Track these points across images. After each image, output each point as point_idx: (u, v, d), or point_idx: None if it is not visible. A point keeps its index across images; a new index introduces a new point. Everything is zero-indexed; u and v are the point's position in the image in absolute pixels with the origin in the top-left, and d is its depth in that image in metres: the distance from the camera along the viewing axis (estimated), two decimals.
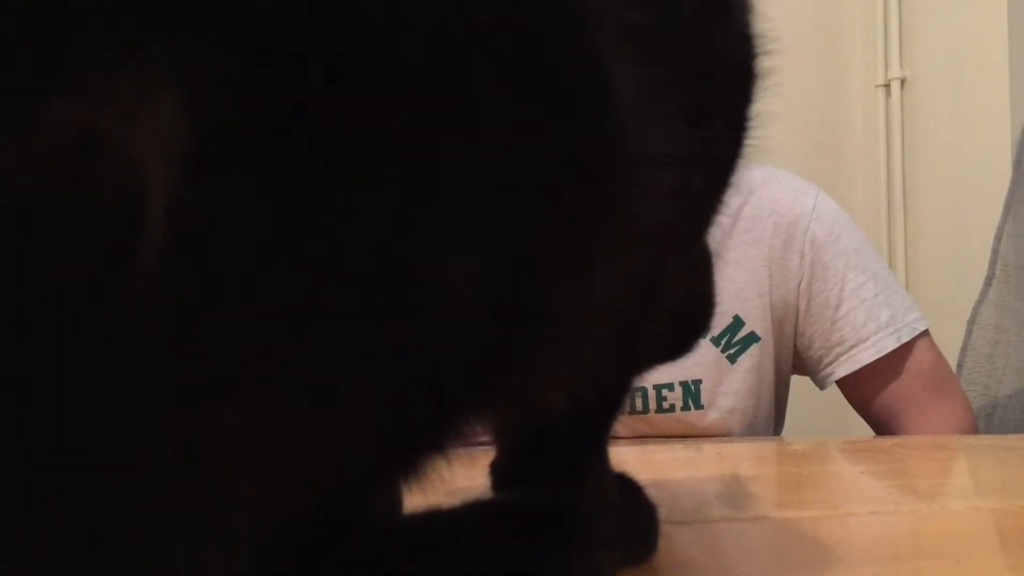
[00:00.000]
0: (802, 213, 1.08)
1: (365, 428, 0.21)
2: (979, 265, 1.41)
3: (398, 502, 0.35)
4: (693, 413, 1.09)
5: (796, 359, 1.13)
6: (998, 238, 1.38)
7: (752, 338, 1.06)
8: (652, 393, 1.07)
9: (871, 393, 1.09)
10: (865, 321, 1.06)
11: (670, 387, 1.07)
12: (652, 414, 1.08)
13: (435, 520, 0.30)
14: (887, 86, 1.93)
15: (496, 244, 0.21)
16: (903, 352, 1.07)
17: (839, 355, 1.07)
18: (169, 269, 0.16)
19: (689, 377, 1.07)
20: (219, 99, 0.16)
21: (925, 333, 1.10)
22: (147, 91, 0.15)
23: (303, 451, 0.20)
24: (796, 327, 1.09)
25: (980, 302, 1.38)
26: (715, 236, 0.36)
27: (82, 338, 0.16)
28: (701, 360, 1.05)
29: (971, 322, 1.39)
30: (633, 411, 1.06)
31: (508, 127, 0.20)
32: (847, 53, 1.98)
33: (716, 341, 1.06)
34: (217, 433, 0.18)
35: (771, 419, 1.14)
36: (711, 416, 1.08)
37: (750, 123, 0.37)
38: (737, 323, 1.06)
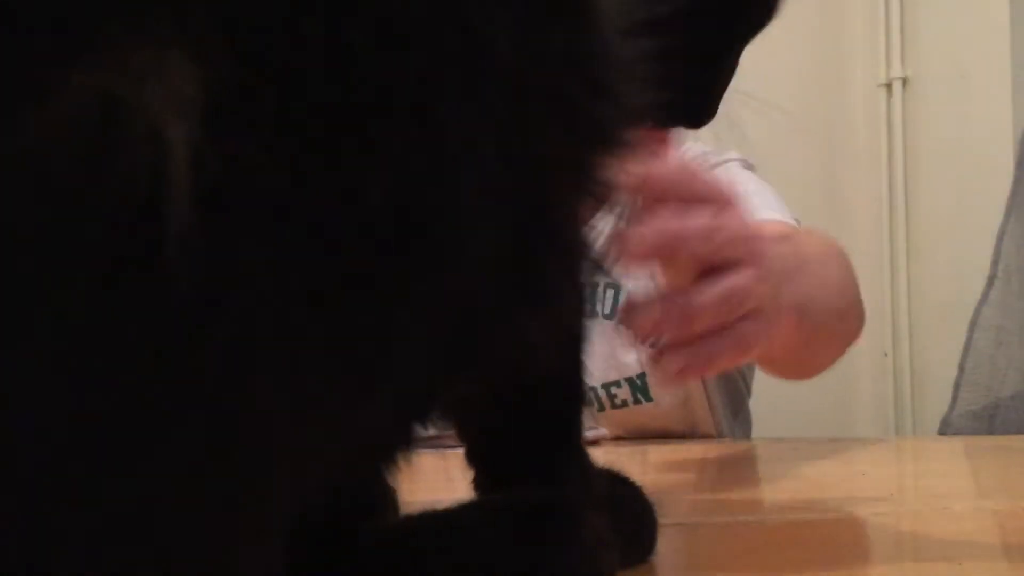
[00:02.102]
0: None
1: (392, 393, 0.21)
2: (981, 265, 1.41)
3: (394, 504, 0.35)
4: (646, 406, 1.09)
5: None
6: (1000, 238, 1.38)
7: None
8: (602, 393, 1.09)
9: None
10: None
11: (617, 384, 1.09)
12: (609, 410, 1.10)
13: (432, 521, 0.30)
14: (889, 85, 1.92)
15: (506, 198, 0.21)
16: None
17: None
18: (198, 221, 0.17)
19: (633, 373, 1.08)
20: (227, 60, 0.17)
21: None
22: (159, 57, 0.17)
23: (336, 425, 0.20)
24: None
25: (982, 302, 1.38)
26: None
27: (117, 301, 0.17)
28: (638, 358, 1.05)
29: (973, 323, 1.38)
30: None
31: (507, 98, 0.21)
32: (848, 52, 1.98)
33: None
34: (251, 400, 0.18)
35: (733, 408, 1.15)
36: (664, 406, 1.08)
37: None
38: None
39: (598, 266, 0.33)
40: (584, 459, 0.36)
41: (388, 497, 0.35)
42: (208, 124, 0.17)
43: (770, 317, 0.58)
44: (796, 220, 1.06)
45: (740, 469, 0.78)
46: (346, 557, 0.27)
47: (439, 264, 0.20)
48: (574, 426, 0.36)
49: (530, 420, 0.34)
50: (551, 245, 0.24)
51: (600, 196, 0.26)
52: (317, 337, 0.19)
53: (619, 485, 0.37)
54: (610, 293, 1.10)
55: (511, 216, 0.22)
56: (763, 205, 1.05)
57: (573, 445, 0.36)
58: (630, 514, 0.36)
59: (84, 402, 0.17)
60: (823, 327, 0.79)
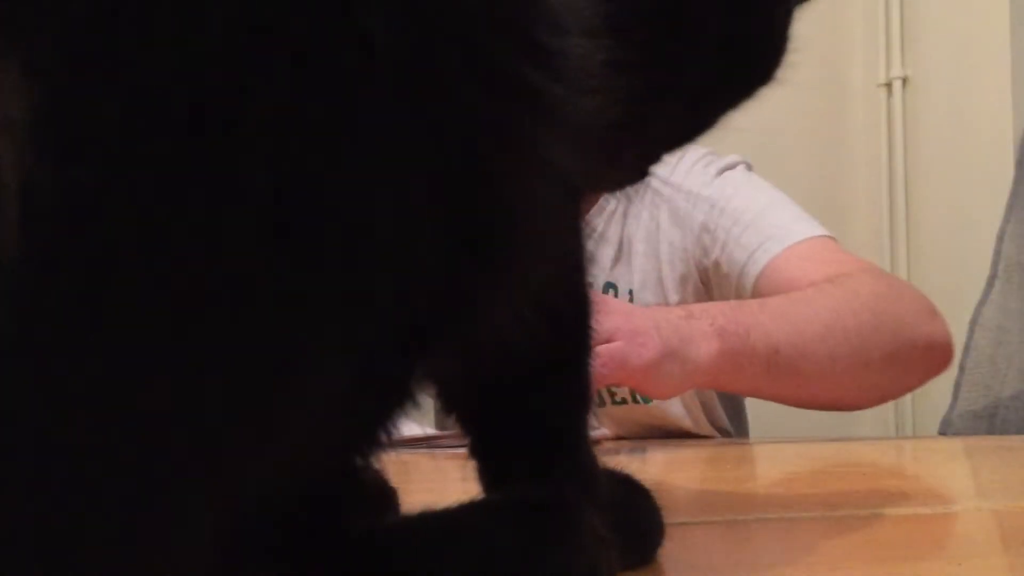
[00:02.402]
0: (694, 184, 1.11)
1: (323, 396, 0.20)
2: (981, 265, 1.41)
3: (395, 504, 0.35)
4: (644, 405, 1.10)
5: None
6: (1000, 238, 1.38)
7: None
8: (603, 390, 1.09)
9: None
10: (755, 245, 1.03)
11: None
12: (609, 407, 1.11)
13: (431, 521, 0.29)
14: (889, 85, 1.92)
15: (431, 169, 0.20)
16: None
17: (755, 250, 1.03)
18: (28, 253, 0.15)
19: None
20: (65, 75, 0.15)
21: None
22: None
23: (258, 431, 0.19)
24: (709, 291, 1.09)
25: (982, 302, 1.38)
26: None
27: None
28: None
29: (973, 322, 1.38)
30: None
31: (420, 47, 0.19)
32: (849, 52, 1.98)
33: None
34: (146, 424, 0.17)
35: (726, 409, 1.17)
36: (662, 405, 1.08)
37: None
38: None
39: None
40: (588, 458, 0.36)
41: (388, 497, 0.35)
42: (42, 146, 0.15)
43: (631, 336, 0.74)
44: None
45: (740, 468, 0.78)
46: (345, 557, 0.27)
47: (339, 255, 0.19)
48: (578, 425, 0.36)
49: (533, 417, 0.34)
50: (495, 214, 0.22)
51: (555, 178, 0.23)
52: (203, 348, 0.17)
53: (626, 486, 0.37)
54: (610, 293, 1.11)
55: (427, 187, 0.20)
56: (797, 217, 1.06)
57: (576, 444, 0.36)
58: (636, 515, 0.36)
59: None
60: (797, 356, 0.86)
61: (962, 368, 1.37)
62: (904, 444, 1.07)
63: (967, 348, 1.38)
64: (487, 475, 0.35)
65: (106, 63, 0.16)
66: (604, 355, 0.76)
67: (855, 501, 0.56)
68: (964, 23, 1.78)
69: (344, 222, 0.19)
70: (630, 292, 1.11)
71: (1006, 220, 1.38)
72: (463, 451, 0.36)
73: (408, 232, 0.20)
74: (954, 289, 1.68)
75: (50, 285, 0.16)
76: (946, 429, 1.35)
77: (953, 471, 0.79)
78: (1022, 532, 0.45)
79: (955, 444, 1.09)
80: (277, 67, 0.17)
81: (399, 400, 0.25)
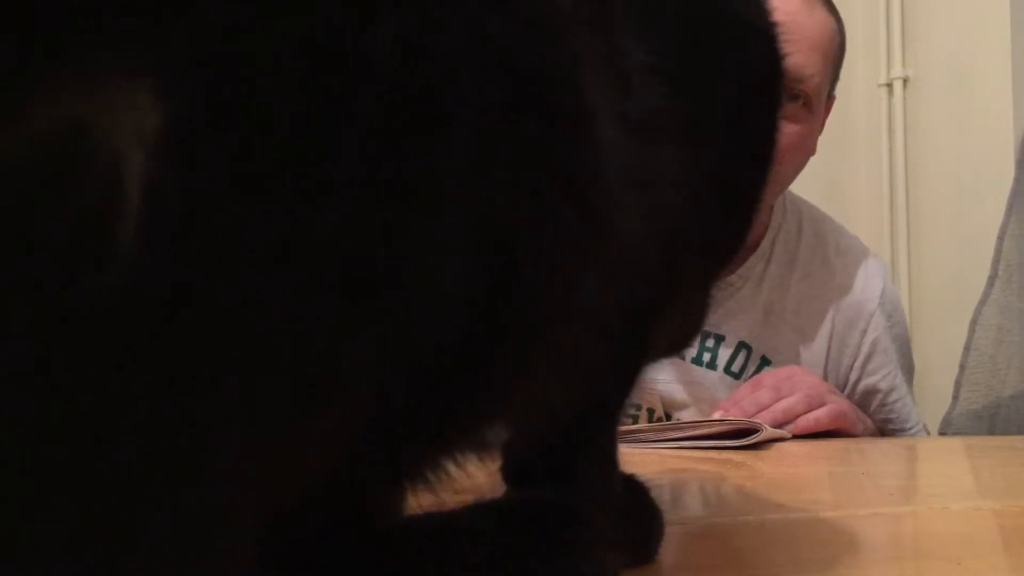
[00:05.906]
0: (870, 298, 1.22)
1: (359, 426, 0.21)
2: (982, 265, 1.41)
3: (399, 503, 0.35)
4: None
5: None
6: (1001, 238, 1.38)
7: None
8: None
9: None
10: (908, 416, 1.22)
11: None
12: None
13: (438, 522, 0.30)
14: (890, 85, 1.92)
15: (478, 242, 0.21)
16: None
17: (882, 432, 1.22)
18: (147, 254, 0.16)
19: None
20: (195, 97, 0.17)
21: None
22: (126, 80, 0.16)
23: (299, 448, 0.20)
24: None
25: (983, 302, 1.38)
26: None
27: (60, 324, 0.16)
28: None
29: (974, 322, 1.38)
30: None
31: (483, 132, 0.21)
32: (850, 52, 1.97)
33: None
34: (206, 427, 0.18)
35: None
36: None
37: (763, 140, 0.37)
38: None
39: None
40: (609, 462, 0.36)
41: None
42: (168, 157, 0.16)
43: (811, 398, 1.08)
44: None
45: (740, 469, 0.78)
46: (349, 558, 0.27)
47: (402, 309, 0.20)
48: (602, 429, 0.36)
49: (568, 427, 0.34)
50: (521, 315, 0.24)
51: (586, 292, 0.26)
52: (266, 370, 0.19)
53: (627, 486, 0.37)
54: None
55: (469, 275, 0.22)
56: None
57: (599, 448, 0.36)
58: (636, 515, 0.36)
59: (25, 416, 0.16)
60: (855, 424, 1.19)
61: (962, 368, 1.37)
62: (904, 443, 1.08)
63: (968, 348, 1.38)
64: (509, 471, 0.35)
65: (234, 88, 0.17)
66: (836, 410, 1.11)
67: (855, 501, 0.56)
68: (965, 23, 1.78)
69: (403, 272, 0.20)
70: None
71: (1006, 220, 1.38)
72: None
73: (446, 309, 0.21)
74: (954, 289, 1.69)
75: (159, 282, 0.17)
76: (946, 429, 1.35)
77: (953, 471, 0.79)
78: (1022, 532, 0.46)
79: (955, 444, 1.10)
80: (375, 112, 0.19)
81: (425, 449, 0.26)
